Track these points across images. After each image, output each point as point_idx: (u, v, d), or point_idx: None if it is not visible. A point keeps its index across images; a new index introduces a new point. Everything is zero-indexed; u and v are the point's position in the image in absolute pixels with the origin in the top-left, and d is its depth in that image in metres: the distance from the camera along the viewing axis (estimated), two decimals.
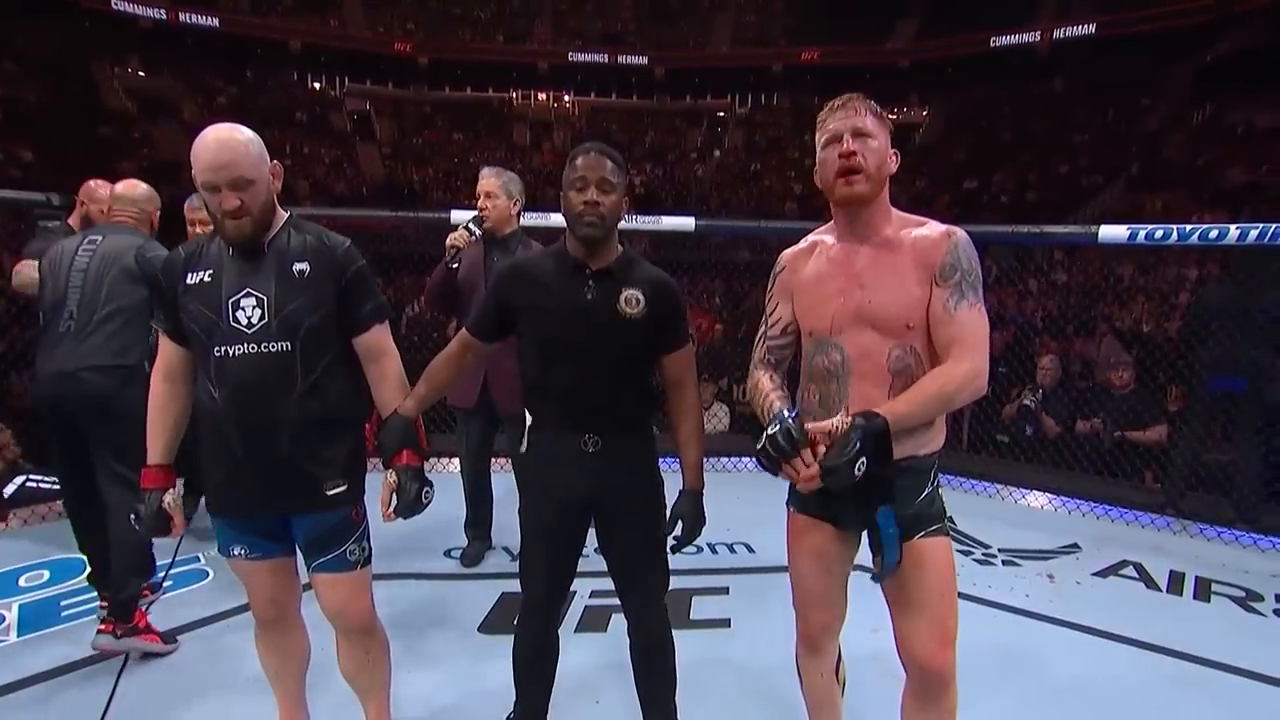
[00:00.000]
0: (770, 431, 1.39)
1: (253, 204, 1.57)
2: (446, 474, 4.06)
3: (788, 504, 1.70)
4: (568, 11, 25.64)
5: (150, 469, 1.67)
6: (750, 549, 3.34)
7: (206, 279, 1.59)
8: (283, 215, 1.68)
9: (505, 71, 24.50)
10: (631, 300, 1.69)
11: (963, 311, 1.46)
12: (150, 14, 21.22)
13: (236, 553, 1.69)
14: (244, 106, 21.77)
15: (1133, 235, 3.36)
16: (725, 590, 2.94)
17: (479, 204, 2.85)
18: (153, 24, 21.26)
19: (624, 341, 1.70)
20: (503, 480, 3.21)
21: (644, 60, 25.51)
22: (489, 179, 2.90)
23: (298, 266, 1.61)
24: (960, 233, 1.51)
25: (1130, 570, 3.18)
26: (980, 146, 21.28)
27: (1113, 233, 3.41)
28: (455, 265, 2.83)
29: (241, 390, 1.56)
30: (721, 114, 26.07)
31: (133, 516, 1.67)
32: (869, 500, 1.44)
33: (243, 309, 1.57)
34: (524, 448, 1.81)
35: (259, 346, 1.56)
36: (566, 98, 25.71)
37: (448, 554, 3.17)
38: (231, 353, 1.56)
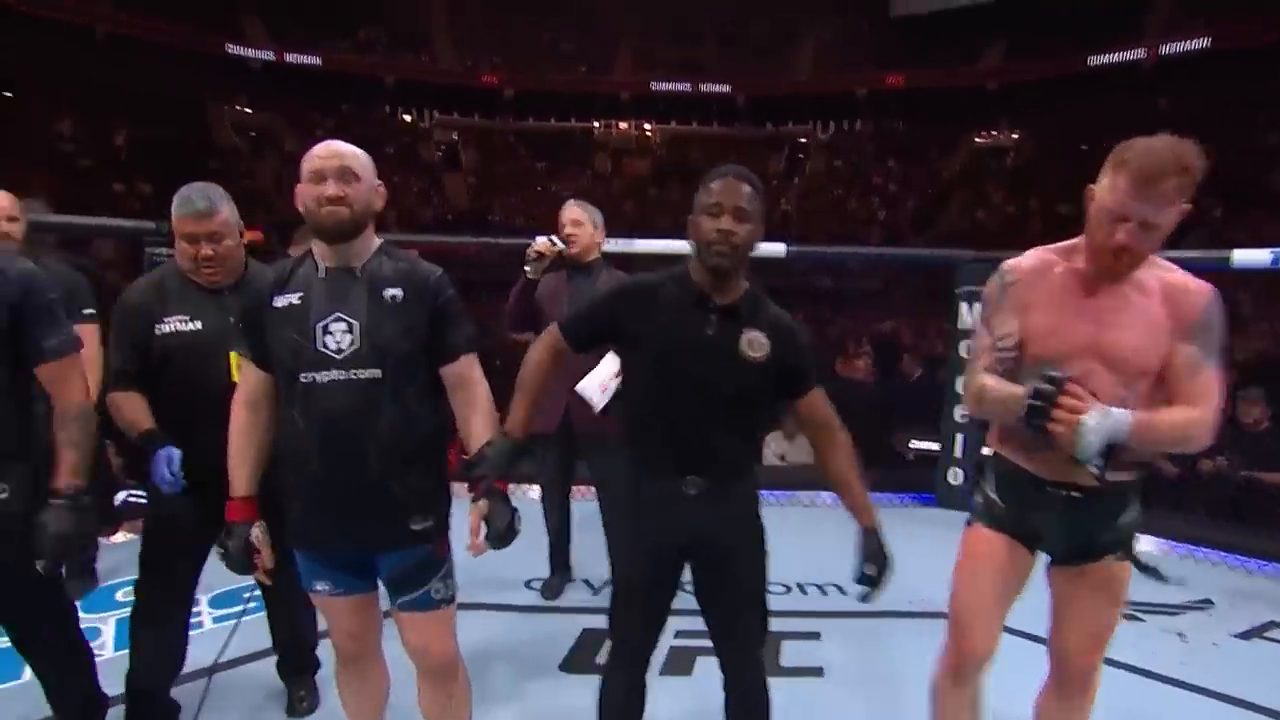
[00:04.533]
0: (1036, 384, 1.41)
1: (354, 199, 1.55)
2: (525, 501, 4.03)
3: (970, 522, 1.70)
4: (649, 42, 25.98)
5: (234, 501, 1.61)
6: (841, 590, 3.16)
7: (295, 301, 1.55)
8: (376, 241, 1.64)
9: (588, 101, 24.91)
10: (755, 343, 1.59)
11: (1207, 372, 1.47)
12: (260, 56, 22.52)
13: (319, 588, 1.65)
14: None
15: (1277, 259, 3.07)
16: (816, 635, 2.78)
17: (564, 233, 2.85)
18: (261, 65, 22.54)
19: (741, 384, 1.60)
20: (583, 508, 3.15)
21: (726, 89, 25.57)
22: (573, 209, 2.91)
23: (390, 292, 1.57)
24: (1214, 291, 1.50)
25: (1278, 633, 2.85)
26: (1076, 169, 20.33)
27: (1252, 257, 3.12)
28: (535, 277, 2.79)
29: (329, 419, 1.51)
30: (803, 140, 25.85)
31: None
32: (1091, 519, 1.53)
33: (332, 334, 1.53)
34: (619, 483, 1.74)
35: (348, 373, 1.52)
36: (647, 126, 25.97)
37: (528, 585, 3.10)
38: (319, 379, 1.52)
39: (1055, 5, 20.82)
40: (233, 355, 1.87)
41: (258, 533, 1.60)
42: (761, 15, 25.36)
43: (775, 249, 4.02)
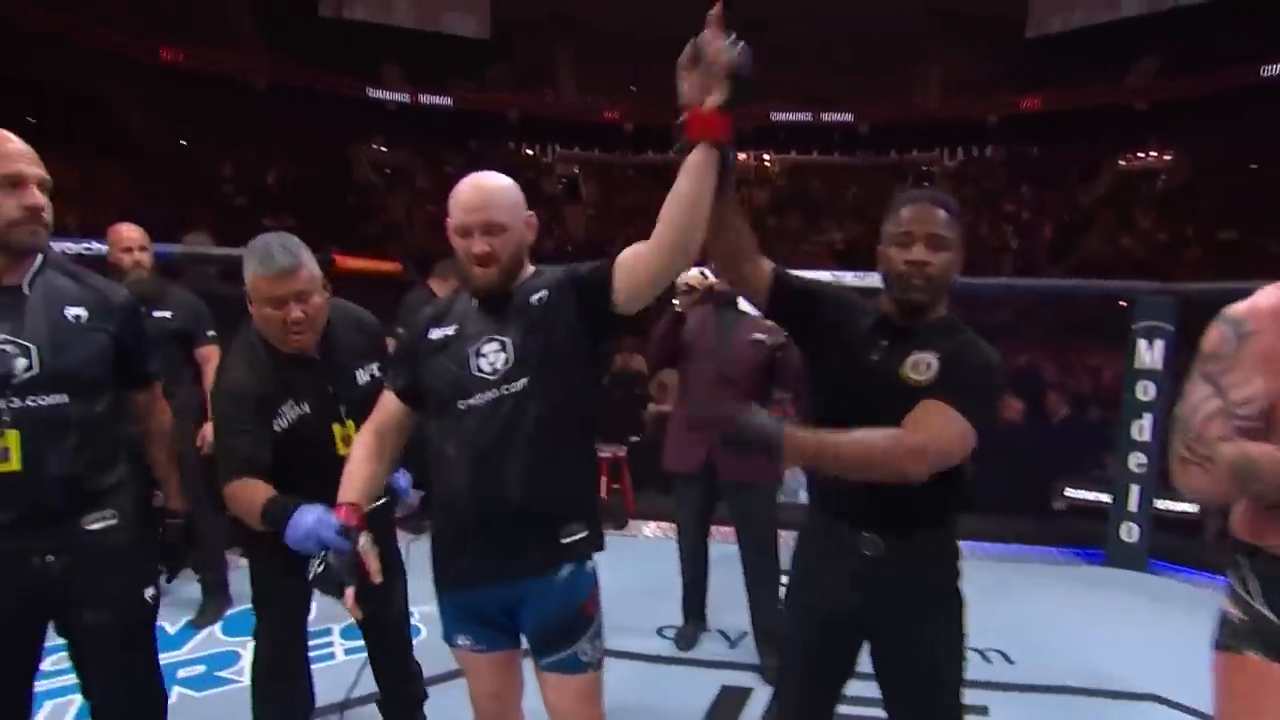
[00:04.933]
0: None
1: (502, 251, 1.51)
2: (663, 540, 3.87)
3: (1229, 647, 1.28)
4: (769, 73, 25.87)
5: (344, 506, 1.53)
6: (1008, 658, 2.82)
7: (450, 334, 1.56)
8: (530, 269, 1.63)
9: None
10: (920, 365, 1.42)
11: None
12: (396, 98, 23.78)
13: (461, 642, 1.56)
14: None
15: None
16: (984, 710, 2.46)
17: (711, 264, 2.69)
18: (397, 106, 23.80)
19: (907, 410, 1.39)
20: (722, 550, 2.96)
21: (848, 117, 25.07)
22: None
23: (535, 297, 1.55)
24: None
25: None
26: (1240, 192, 18.63)
27: None
28: (684, 311, 2.67)
29: (480, 441, 1.48)
30: (928, 168, 24.96)
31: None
32: None
33: (485, 355, 1.51)
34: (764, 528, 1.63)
35: (499, 390, 1.49)
36: (766, 157, 25.76)
37: (660, 633, 2.93)
38: (475, 403, 1.49)
39: (1219, 14, 19.10)
40: (336, 428, 1.86)
41: (365, 542, 1.49)
42: (884, 43, 24.80)
43: None
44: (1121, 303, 4.44)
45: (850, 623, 1.48)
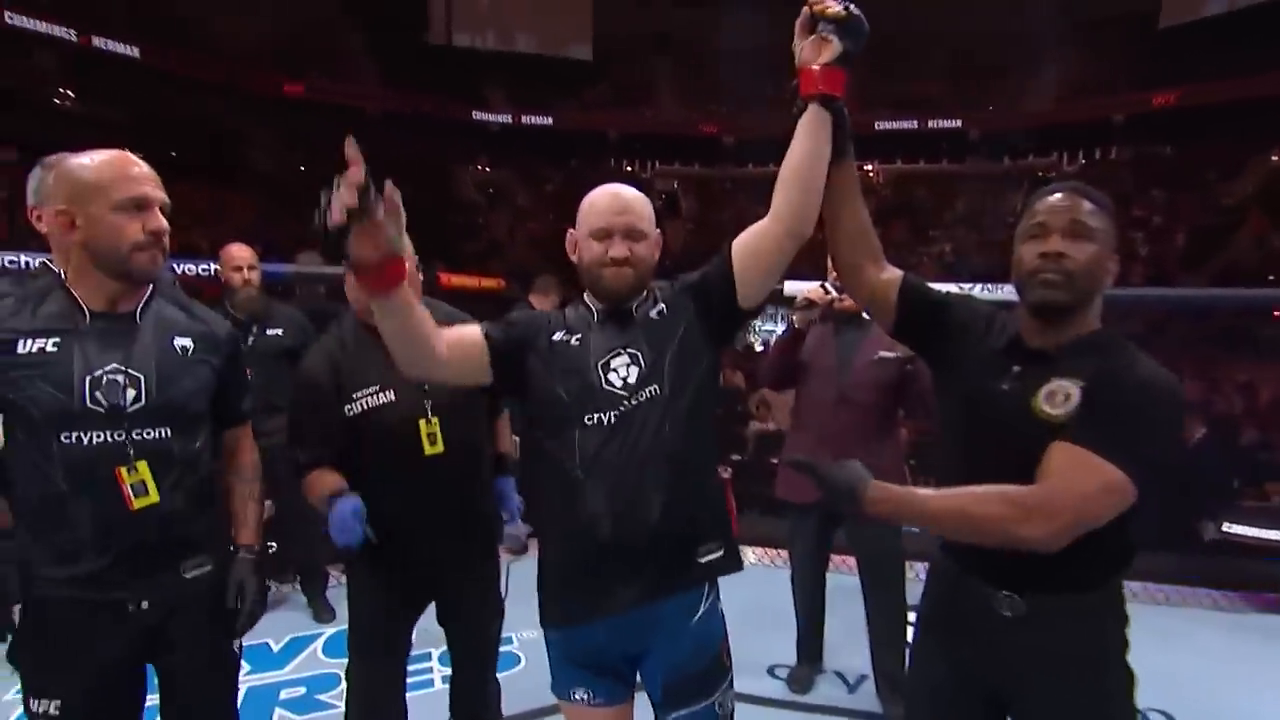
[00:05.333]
0: None
1: (639, 259, 1.47)
2: (770, 567, 3.66)
3: None
4: (873, 80, 25.19)
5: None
6: (1169, 719, 2.48)
7: (574, 343, 1.48)
8: (662, 287, 1.56)
9: None
10: (1057, 396, 1.18)
11: None
12: (499, 119, 24.53)
13: (578, 696, 1.44)
14: (567, 192, 24.24)
15: None
16: None
17: (835, 278, 2.46)
18: (500, 127, 24.52)
19: (1040, 450, 1.16)
20: (841, 581, 2.73)
21: (956, 123, 24.11)
22: None
23: (654, 311, 1.49)
24: None
25: None
26: None
27: None
28: (804, 327, 2.46)
29: (611, 454, 1.39)
30: (1042, 173, 23.67)
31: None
32: None
33: (614, 369, 1.44)
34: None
35: (631, 403, 1.41)
36: (869, 166, 25.06)
37: (771, 672, 2.72)
38: (604, 419, 1.40)
39: None
40: (422, 424, 1.81)
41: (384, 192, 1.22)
42: (995, 44, 23.75)
43: None
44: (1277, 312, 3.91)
45: (986, 690, 1.26)
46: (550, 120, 24.73)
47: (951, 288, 3.46)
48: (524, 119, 24.55)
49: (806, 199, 1.40)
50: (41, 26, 16.82)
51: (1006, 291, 3.47)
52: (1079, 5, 21.77)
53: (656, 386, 1.41)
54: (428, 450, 1.81)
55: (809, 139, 1.39)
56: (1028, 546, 1.10)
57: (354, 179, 1.17)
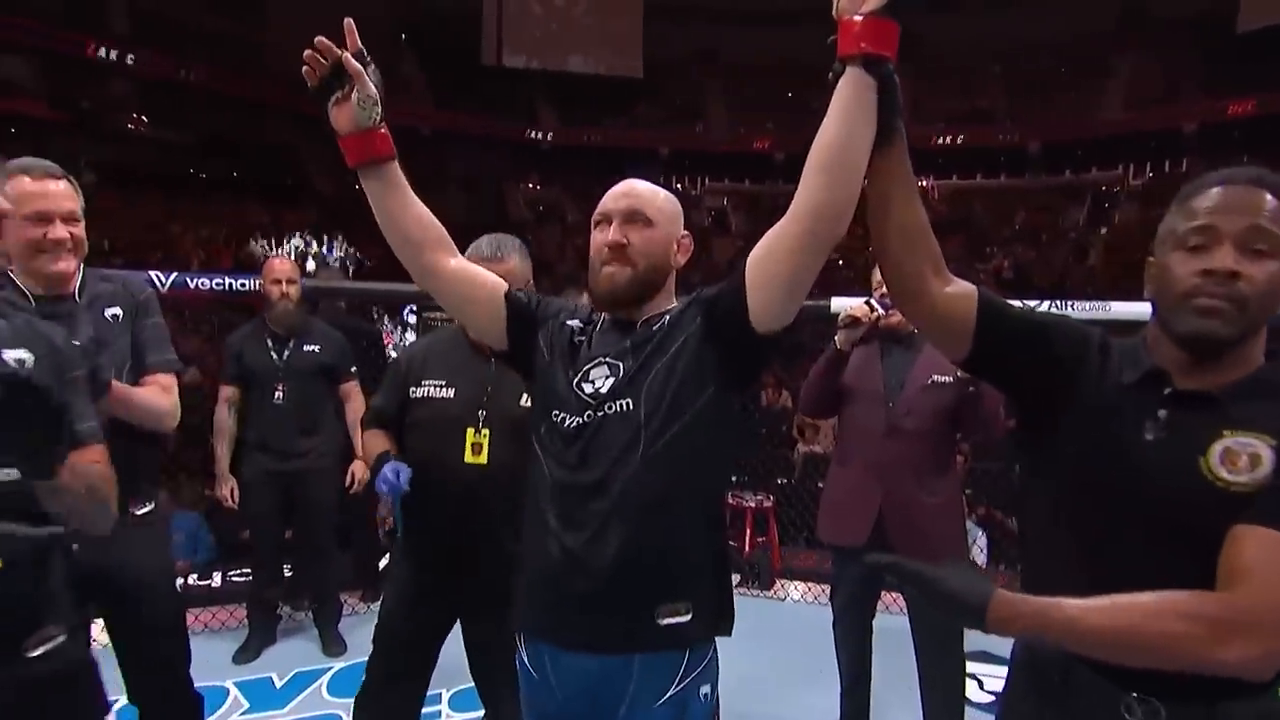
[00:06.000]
0: None
1: (639, 250, 1.31)
2: (815, 605, 3.42)
3: None
4: (929, 94, 24.69)
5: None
6: None
7: (579, 339, 1.39)
8: (674, 303, 1.39)
9: None
10: (1240, 458, 0.89)
11: None
12: (550, 137, 24.76)
13: None
14: None
15: None
16: None
17: (882, 294, 2.25)
18: (551, 145, 24.76)
19: (1210, 525, 0.90)
20: (887, 624, 2.49)
21: (1015, 137, 23.45)
22: None
23: (658, 324, 1.36)
24: None
25: None
26: None
27: None
28: (846, 349, 2.23)
29: (568, 462, 1.31)
30: (1106, 187, 22.81)
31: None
32: None
33: (592, 380, 1.33)
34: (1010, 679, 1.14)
35: (596, 414, 1.29)
36: (924, 182, 24.51)
37: None
38: (569, 422, 1.32)
39: None
40: (470, 432, 1.82)
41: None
42: (1057, 53, 23.04)
43: (1140, 310, 3.12)
44: None
45: None
46: (601, 138, 24.83)
47: (1092, 307, 3.11)
48: (575, 137, 24.72)
49: (833, 191, 1.12)
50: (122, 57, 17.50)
51: (1077, 312, 3.18)
52: (1152, 8, 20.99)
53: (629, 401, 1.24)
54: (468, 458, 1.82)
55: (844, 112, 1.10)
56: (1228, 674, 0.86)
57: (332, 55, 1.22)
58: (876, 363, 2.30)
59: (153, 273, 3.19)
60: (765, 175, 25.10)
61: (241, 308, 7.81)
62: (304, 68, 1.23)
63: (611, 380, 1.27)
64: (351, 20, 1.22)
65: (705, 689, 1.26)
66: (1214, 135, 20.84)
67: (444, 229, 1.39)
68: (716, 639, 1.30)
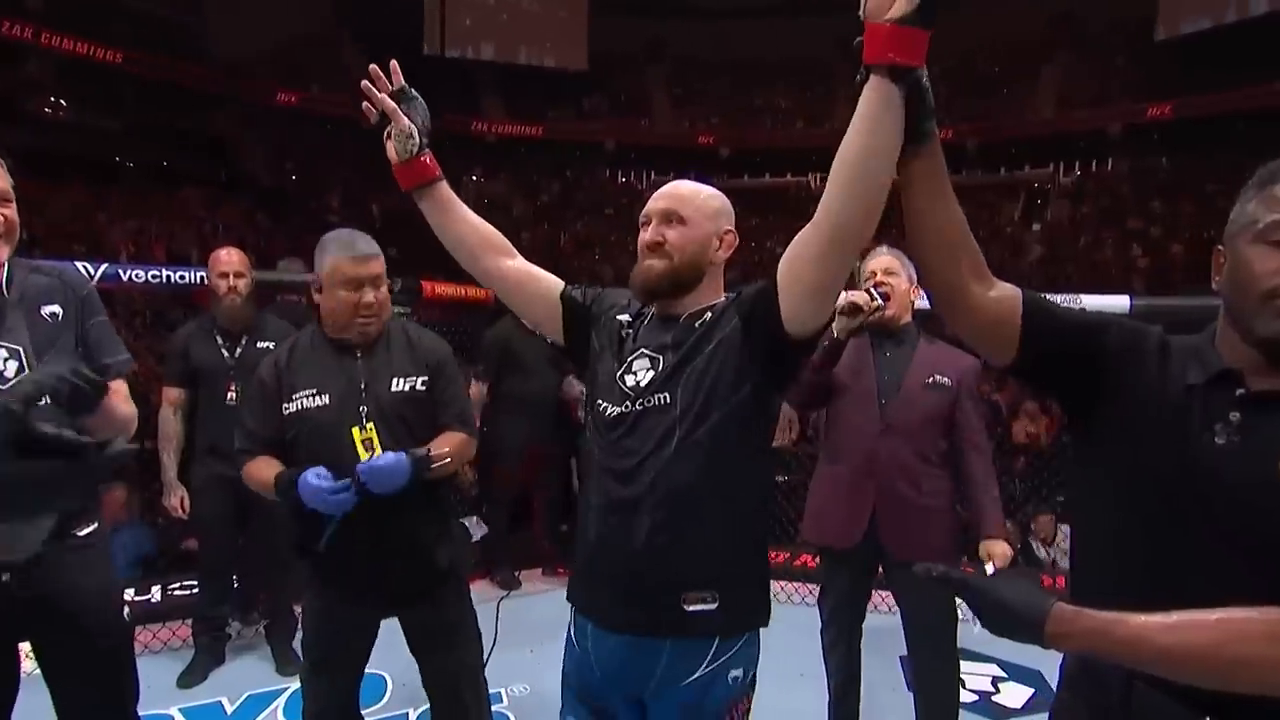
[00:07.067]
0: None
1: (674, 245, 1.36)
2: (806, 606, 3.36)
3: None
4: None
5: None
6: None
7: (627, 332, 1.44)
8: (720, 298, 1.41)
9: (804, 156, 24.39)
10: None
11: None
12: (495, 130, 24.39)
13: None
14: (563, 202, 24.10)
15: None
16: None
17: (875, 282, 2.17)
18: (496, 138, 24.36)
19: None
20: (878, 623, 2.43)
21: (949, 135, 24.04)
22: (885, 257, 2.22)
23: (700, 320, 1.38)
24: None
25: None
26: None
27: None
28: (844, 339, 2.14)
29: (614, 451, 1.37)
30: (1039, 184, 23.63)
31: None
32: None
33: (635, 372, 1.39)
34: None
35: (639, 405, 1.34)
36: None
37: None
38: (614, 412, 1.37)
39: None
40: (355, 432, 1.78)
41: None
42: (991, 55, 23.71)
43: (1117, 302, 3.17)
44: None
45: None
46: (546, 131, 24.56)
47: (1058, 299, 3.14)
48: (520, 130, 24.43)
49: (853, 202, 1.13)
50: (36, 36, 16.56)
51: (1113, 300, 3.24)
52: (1077, 11, 21.73)
53: (666, 396, 1.30)
54: (363, 456, 1.75)
55: (868, 121, 1.07)
56: None
57: (386, 103, 1.41)
58: (869, 357, 2.22)
59: (81, 264, 2.94)
60: (710, 170, 25.20)
61: (181, 302, 7.42)
62: (363, 103, 1.39)
63: (651, 374, 1.33)
64: (396, 62, 1.40)
65: (736, 672, 1.30)
66: (1134, 136, 21.78)
67: (499, 235, 1.52)
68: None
